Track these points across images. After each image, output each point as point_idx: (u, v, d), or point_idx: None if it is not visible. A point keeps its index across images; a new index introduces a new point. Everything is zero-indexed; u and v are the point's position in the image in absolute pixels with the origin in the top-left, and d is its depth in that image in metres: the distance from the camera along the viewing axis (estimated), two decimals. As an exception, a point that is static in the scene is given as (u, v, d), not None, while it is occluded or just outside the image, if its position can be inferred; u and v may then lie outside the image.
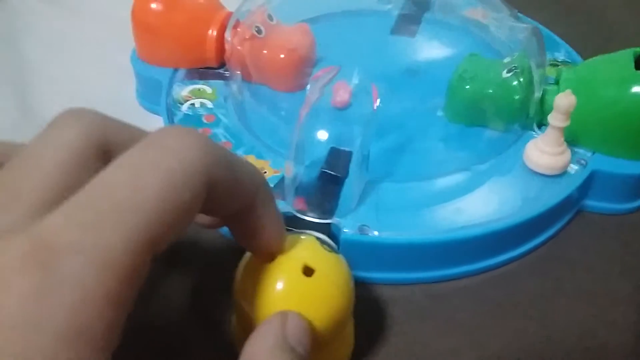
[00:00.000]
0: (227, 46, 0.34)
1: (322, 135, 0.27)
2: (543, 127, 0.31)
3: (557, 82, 0.32)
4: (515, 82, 0.30)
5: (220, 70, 0.36)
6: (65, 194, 0.14)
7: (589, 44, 0.39)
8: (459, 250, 0.27)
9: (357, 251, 0.25)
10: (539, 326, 0.24)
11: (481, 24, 0.37)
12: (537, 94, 0.30)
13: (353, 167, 0.27)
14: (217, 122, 0.33)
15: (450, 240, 0.26)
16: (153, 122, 0.36)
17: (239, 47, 0.34)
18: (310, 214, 0.27)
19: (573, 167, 0.29)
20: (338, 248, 0.25)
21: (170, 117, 0.33)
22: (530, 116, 0.31)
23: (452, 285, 0.26)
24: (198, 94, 0.34)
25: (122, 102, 0.37)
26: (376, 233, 0.26)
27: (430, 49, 0.36)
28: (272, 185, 0.28)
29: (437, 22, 0.37)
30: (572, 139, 0.29)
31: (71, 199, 0.14)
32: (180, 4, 0.35)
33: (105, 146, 0.17)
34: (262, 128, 0.33)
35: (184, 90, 0.35)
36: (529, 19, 0.40)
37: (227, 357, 0.17)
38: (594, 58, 0.32)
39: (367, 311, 0.25)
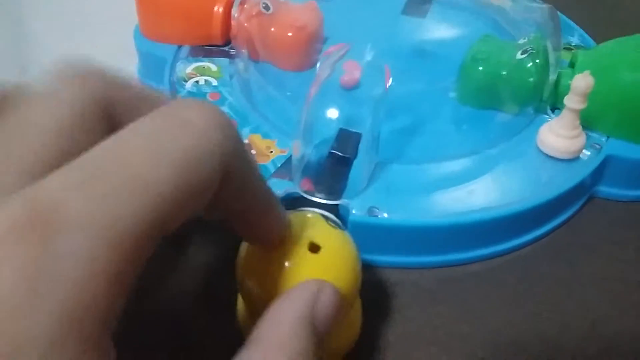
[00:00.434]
0: (233, 23, 0.33)
1: (332, 114, 0.26)
2: (557, 111, 0.30)
3: (571, 66, 0.31)
4: (530, 64, 0.29)
5: (226, 48, 0.35)
6: (65, 157, 0.13)
7: (603, 28, 0.38)
8: (470, 234, 0.26)
9: (365, 233, 0.25)
10: (552, 312, 0.24)
11: (494, 4, 0.36)
12: (552, 77, 0.30)
13: (362, 148, 0.26)
14: (222, 100, 0.32)
15: (461, 224, 0.26)
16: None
17: (245, 24, 0.33)
18: (317, 195, 0.26)
19: (586, 153, 0.29)
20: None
21: (173, 95, 0.32)
22: (544, 99, 0.30)
23: (462, 270, 0.26)
24: (202, 71, 0.34)
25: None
26: (386, 215, 0.25)
27: (441, 29, 0.35)
28: (278, 165, 0.28)
29: (449, 2, 0.36)
30: (586, 123, 0.29)
31: (74, 162, 0.12)
32: (185, -21, 0.34)
33: (110, 107, 0.15)
34: (269, 107, 0.32)
35: (188, 68, 0.34)
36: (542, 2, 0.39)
37: (234, 341, 0.16)
38: (610, 41, 0.31)
39: (375, 295, 0.24)
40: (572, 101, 0.27)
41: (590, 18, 0.40)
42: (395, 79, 0.26)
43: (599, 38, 0.36)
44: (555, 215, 0.28)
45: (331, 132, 0.26)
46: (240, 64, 0.34)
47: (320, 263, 0.19)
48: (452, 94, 0.32)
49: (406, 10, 0.35)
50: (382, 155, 0.27)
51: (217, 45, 0.35)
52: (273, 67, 0.34)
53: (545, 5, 0.32)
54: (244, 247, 0.20)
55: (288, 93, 0.32)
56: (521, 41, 0.31)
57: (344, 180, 0.26)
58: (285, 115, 0.30)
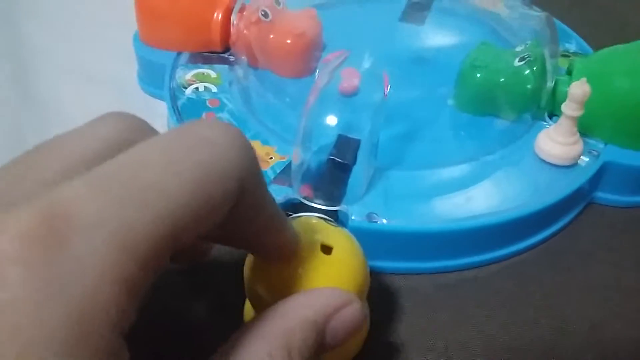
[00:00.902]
0: (232, 30, 0.33)
1: (331, 121, 0.26)
2: (554, 117, 0.31)
3: (568, 73, 0.31)
4: (527, 71, 0.29)
5: (225, 55, 0.35)
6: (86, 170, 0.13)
7: (600, 35, 0.38)
8: (469, 240, 0.26)
9: (364, 239, 0.25)
10: (549, 318, 0.24)
11: (491, 12, 0.36)
12: (550, 84, 0.30)
13: (361, 154, 0.26)
14: (221, 107, 0.32)
15: (459, 230, 0.26)
16: (155, 107, 0.35)
17: (244, 31, 0.33)
18: (317, 201, 0.26)
19: (584, 159, 0.29)
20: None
21: (173, 101, 0.32)
22: (542, 106, 0.30)
23: (461, 276, 0.26)
24: (202, 77, 0.34)
25: (123, 86, 0.36)
26: (384, 221, 0.25)
27: (439, 37, 0.35)
28: (278, 171, 0.28)
29: (447, 10, 0.36)
30: (584, 129, 0.29)
31: (93, 169, 0.13)
32: (185, -14, 0.35)
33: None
34: (268, 113, 0.32)
35: (187, 74, 0.34)
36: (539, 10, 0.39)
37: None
38: (607, 48, 0.31)
39: (373, 301, 0.24)
40: (570, 108, 0.27)
41: (587, 25, 0.40)
42: (393, 85, 0.26)
43: (596, 45, 0.36)
44: (553, 221, 0.28)
45: (330, 139, 0.26)
46: (239, 71, 0.34)
47: (335, 262, 0.19)
48: (450, 101, 0.32)
49: (404, 18, 0.35)
50: (381, 161, 0.27)
51: (217, 51, 0.35)
52: (272, 74, 0.34)
53: (542, 13, 0.32)
54: (251, 257, 0.20)
55: (287, 100, 0.33)
56: (518, 48, 0.31)
57: (343, 187, 0.26)
58: (284, 122, 0.31)
